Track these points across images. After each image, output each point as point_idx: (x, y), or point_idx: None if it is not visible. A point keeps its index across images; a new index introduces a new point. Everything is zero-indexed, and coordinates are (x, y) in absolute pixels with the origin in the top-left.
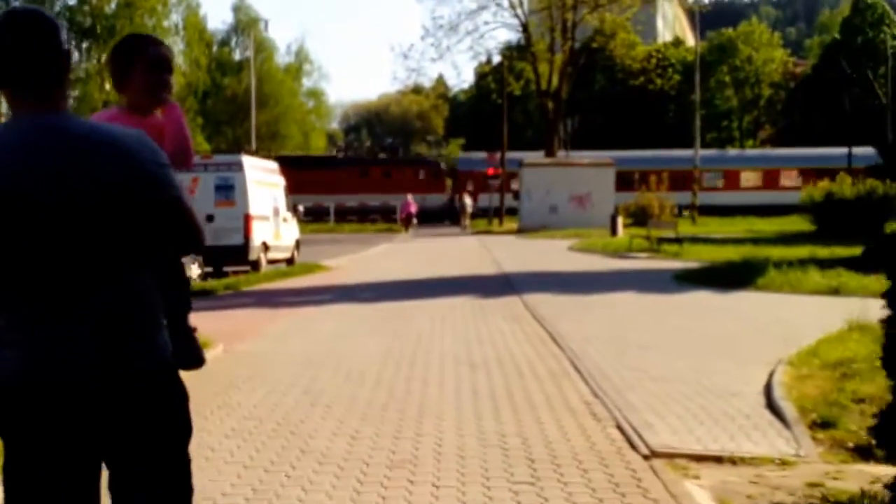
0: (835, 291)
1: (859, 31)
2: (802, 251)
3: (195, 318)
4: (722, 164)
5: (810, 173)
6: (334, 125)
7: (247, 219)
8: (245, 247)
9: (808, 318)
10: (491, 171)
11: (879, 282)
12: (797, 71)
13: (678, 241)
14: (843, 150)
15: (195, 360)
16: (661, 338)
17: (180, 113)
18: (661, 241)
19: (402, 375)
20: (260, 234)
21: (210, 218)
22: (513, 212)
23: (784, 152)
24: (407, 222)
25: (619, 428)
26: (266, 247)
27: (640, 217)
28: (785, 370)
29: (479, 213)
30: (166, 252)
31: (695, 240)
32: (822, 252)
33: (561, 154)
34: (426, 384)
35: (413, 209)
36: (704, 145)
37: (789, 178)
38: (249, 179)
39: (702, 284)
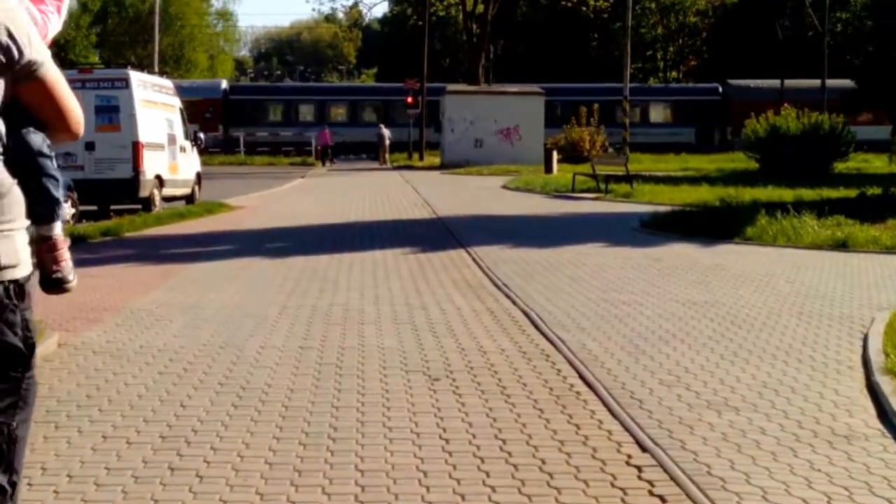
0: (842, 245)
1: None
2: (785, 194)
3: None
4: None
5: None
6: (244, 52)
7: (136, 147)
8: (134, 181)
9: (838, 283)
10: (409, 99)
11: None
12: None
13: (629, 179)
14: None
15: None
16: (677, 320)
17: None
18: (609, 179)
19: (325, 399)
20: (153, 165)
21: (90, 146)
22: (432, 146)
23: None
24: (323, 155)
25: None
26: (160, 181)
27: (569, 153)
28: None
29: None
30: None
31: (641, 178)
32: (809, 194)
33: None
34: (363, 422)
35: (330, 141)
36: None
37: None
38: (138, 99)
39: (677, 233)
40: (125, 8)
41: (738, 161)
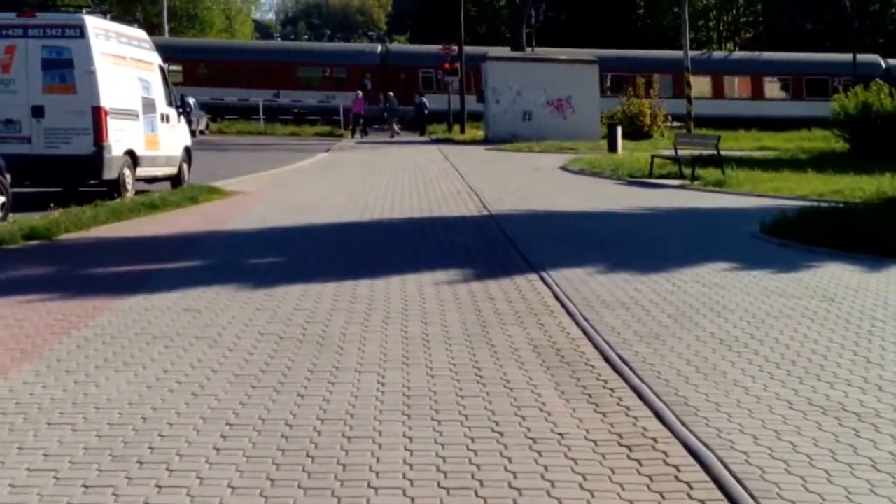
0: None
1: None
2: None
3: None
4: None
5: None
6: (270, 16)
7: (97, 114)
8: (97, 158)
9: None
10: (448, 65)
11: None
12: None
13: (719, 163)
14: (845, 57)
15: None
16: None
17: None
18: (696, 161)
19: None
20: (122, 138)
21: (37, 111)
22: (475, 117)
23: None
24: (354, 125)
25: None
26: (134, 159)
27: (627, 127)
28: None
29: (435, 118)
30: None
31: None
32: None
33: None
34: None
35: (362, 109)
36: (680, 47)
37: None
38: (97, 52)
39: (819, 246)
40: None
41: (817, 140)
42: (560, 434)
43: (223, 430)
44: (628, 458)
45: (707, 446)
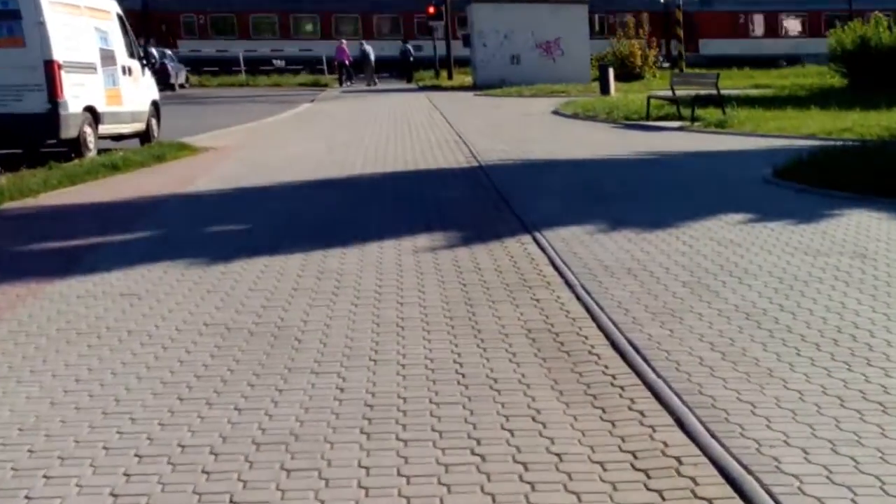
0: None
1: None
2: None
3: None
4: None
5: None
6: None
7: (51, 68)
8: (53, 115)
9: None
10: (432, 9)
11: None
12: None
13: (719, 102)
14: None
15: None
16: None
17: None
18: (696, 101)
19: None
20: (80, 94)
21: None
22: (462, 63)
23: None
24: (341, 73)
25: None
26: (95, 116)
27: (618, 69)
28: None
29: (424, 65)
30: None
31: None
32: None
33: None
34: None
35: (346, 58)
36: None
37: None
38: (46, 0)
39: (839, 191)
40: None
41: (811, 75)
42: (558, 455)
43: (128, 466)
44: (646, 488)
45: (747, 468)
